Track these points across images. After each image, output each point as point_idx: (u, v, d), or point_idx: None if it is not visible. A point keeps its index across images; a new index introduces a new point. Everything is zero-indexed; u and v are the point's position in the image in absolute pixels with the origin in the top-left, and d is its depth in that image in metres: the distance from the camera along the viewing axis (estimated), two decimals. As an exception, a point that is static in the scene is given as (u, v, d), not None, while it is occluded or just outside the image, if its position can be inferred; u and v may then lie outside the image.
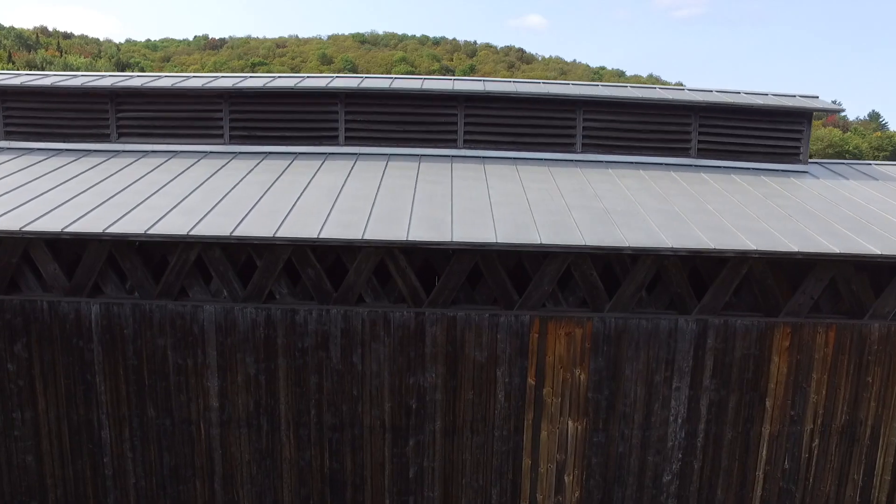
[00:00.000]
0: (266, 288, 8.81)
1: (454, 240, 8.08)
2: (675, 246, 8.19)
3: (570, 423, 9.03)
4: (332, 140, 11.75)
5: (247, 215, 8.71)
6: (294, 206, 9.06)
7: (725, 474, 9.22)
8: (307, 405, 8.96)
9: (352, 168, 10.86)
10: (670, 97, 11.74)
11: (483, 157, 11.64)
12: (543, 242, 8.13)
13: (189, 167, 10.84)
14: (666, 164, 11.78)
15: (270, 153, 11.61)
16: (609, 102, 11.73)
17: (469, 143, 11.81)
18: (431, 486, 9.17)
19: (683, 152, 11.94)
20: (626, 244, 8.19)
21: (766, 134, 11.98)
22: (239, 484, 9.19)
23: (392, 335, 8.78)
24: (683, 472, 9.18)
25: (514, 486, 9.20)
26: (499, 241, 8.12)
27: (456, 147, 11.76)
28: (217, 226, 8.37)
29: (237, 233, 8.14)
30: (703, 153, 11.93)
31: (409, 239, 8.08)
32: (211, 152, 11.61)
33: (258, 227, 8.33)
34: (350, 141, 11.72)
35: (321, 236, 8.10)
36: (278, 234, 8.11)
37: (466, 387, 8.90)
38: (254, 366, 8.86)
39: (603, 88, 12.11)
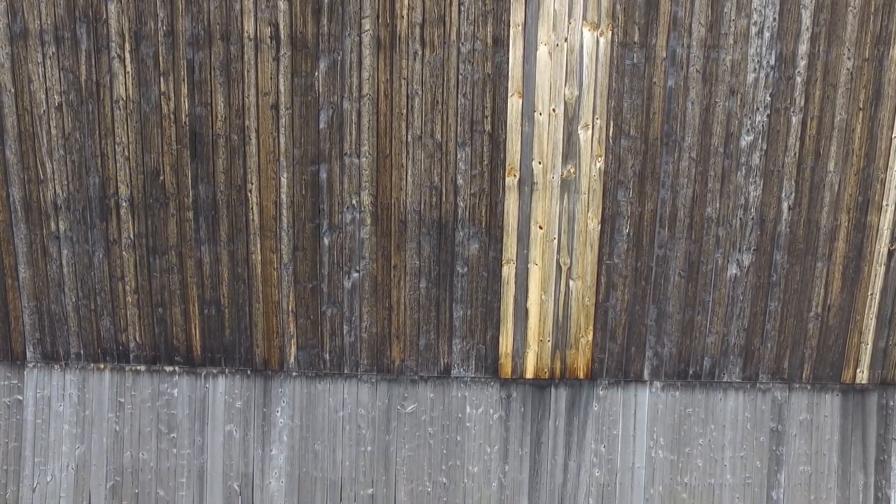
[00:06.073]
0: None
1: None
2: None
3: (584, 32, 5.44)
4: None
5: None
6: None
7: (843, 135, 5.59)
8: None
9: None
10: None
11: None
12: None
13: None
14: None
15: None
16: None
17: None
18: (356, 142, 5.56)
19: None
20: None
21: None
22: (45, 149, 5.61)
23: None
24: (773, 131, 5.55)
25: (495, 144, 5.58)
26: None
27: None
28: None
29: None
30: None
31: None
32: None
33: None
34: None
35: None
36: None
37: (412, -40, 5.36)
38: (64, -66, 5.38)
39: None
